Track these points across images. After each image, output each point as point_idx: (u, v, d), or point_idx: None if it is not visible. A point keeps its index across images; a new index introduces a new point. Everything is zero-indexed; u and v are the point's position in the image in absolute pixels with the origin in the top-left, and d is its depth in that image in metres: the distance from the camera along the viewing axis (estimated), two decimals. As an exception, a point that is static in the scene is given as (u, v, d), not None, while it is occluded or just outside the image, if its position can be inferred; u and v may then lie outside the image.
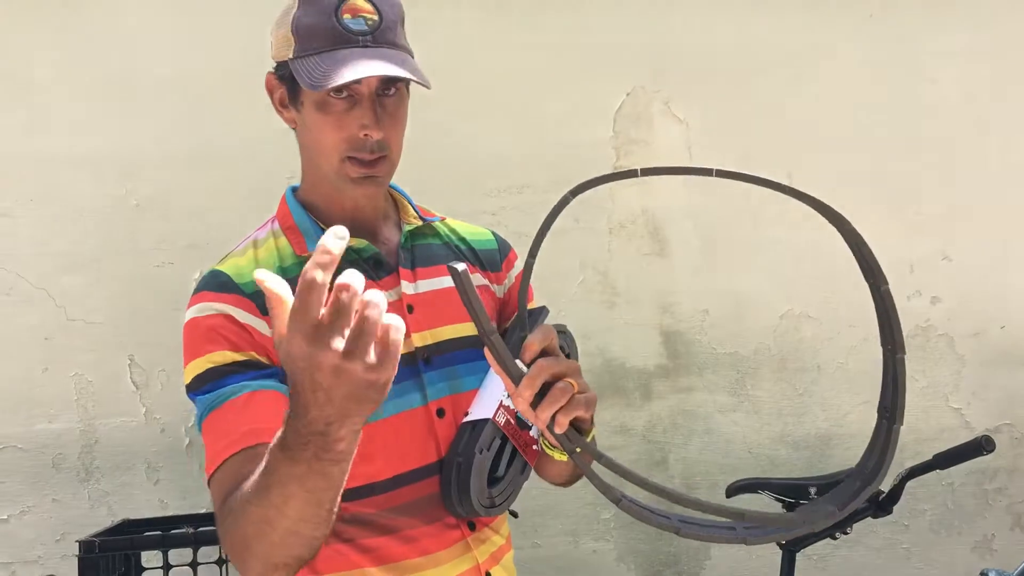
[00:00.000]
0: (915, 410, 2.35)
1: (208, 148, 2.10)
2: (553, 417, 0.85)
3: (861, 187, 2.30)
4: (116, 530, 1.81)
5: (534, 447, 1.12)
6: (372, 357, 0.62)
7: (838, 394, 2.35)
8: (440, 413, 1.11)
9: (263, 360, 1.00)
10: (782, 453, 2.33)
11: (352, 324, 0.62)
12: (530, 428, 1.12)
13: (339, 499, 0.77)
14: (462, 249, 1.23)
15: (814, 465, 2.33)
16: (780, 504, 1.87)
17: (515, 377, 0.84)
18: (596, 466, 0.86)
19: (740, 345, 2.33)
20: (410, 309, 1.12)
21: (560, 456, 1.10)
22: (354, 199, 1.12)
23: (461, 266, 0.80)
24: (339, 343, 0.62)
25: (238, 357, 0.99)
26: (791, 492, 1.87)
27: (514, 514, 1.97)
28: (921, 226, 2.36)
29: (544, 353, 0.87)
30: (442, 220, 1.25)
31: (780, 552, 1.88)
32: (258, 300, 1.01)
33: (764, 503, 1.95)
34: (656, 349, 2.32)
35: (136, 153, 2.09)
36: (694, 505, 0.81)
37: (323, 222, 1.13)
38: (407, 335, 1.06)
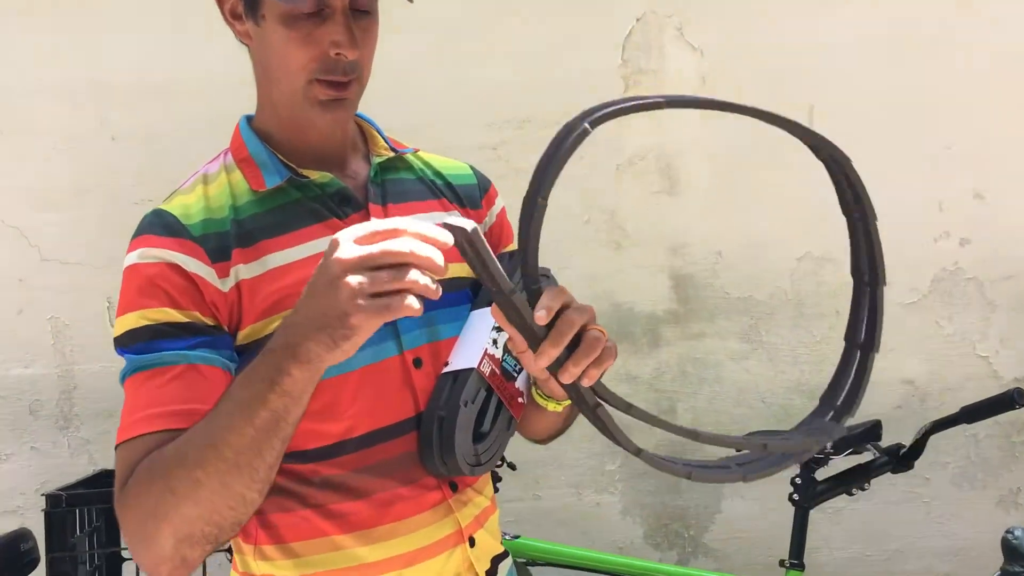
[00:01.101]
0: (939, 358, 2.23)
1: (189, 75, 1.97)
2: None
3: (888, 121, 2.15)
4: (93, 481, 1.72)
5: (520, 399, 1.02)
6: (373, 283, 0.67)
7: (858, 341, 2.21)
8: (417, 363, 1.00)
9: (207, 322, 0.89)
10: (797, 403, 2.22)
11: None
12: (515, 379, 1.02)
13: (278, 463, 0.72)
14: (438, 184, 1.12)
15: None
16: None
17: (537, 338, 0.77)
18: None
19: (754, 289, 2.21)
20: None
21: (554, 407, 1.00)
22: (320, 127, 1.00)
23: (470, 225, 0.73)
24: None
25: (179, 318, 0.88)
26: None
27: (512, 466, 1.89)
28: (951, 163, 2.20)
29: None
30: (415, 152, 1.12)
31: (792, 509, 1.77)
32: (208, 244, 0.90)
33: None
34: (665, 293, 2.21)
35: (111, 81, 1.96)
36: (716, 441, 0.80)
37: (282, 153, 1.02)
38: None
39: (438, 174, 1.13)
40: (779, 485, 1.65)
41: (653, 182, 2.18)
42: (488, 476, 1.09)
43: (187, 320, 0.88)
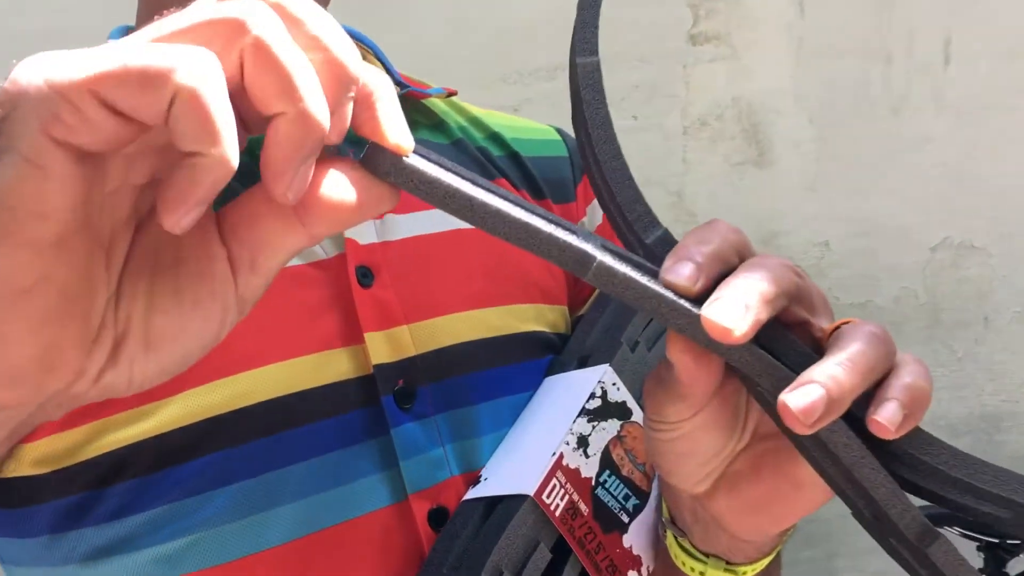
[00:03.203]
0: None
1: None
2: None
3: None
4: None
5: (619, 550, 0.55)
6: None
7: (1014, 356, 1.83)
8: (437, 517, 0.56)
9: None
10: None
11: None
12: (623, 526, 0.55)
13: None
14: (492, 155, 0.68)
15: (979, 456, 1.77)
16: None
17: (783, 375, 0.39)
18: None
19: (874, 291, 1.81)
20: (366, 277, 0.58)
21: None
22: None
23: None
24: None
25: None
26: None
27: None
28: None
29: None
30: (448, 97, 0.70)
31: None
32: None
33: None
34: None
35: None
36: None
37: None
38: (356, 335, 0.55)
39: (495, 138, 0.69)
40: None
41: (734, 150, 1.78)
42: None
43: None
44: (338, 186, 0.32)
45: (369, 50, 0.67)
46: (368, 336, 0.55)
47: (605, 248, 0.37)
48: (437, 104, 0.67)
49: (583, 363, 0.58)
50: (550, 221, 0.35)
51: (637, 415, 0.56)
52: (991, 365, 1.86)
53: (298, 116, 0.28)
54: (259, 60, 0.28)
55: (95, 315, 0.30)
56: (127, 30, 0.62)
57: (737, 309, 0.36)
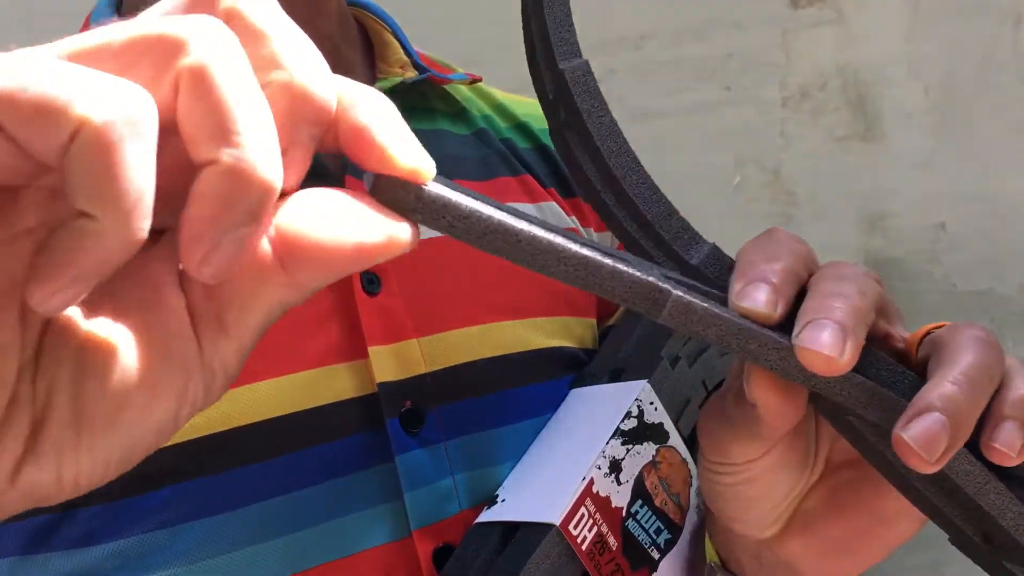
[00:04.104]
0: None
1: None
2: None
3: None
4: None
5: None
6: None
7: None
8: (442, 556, 0.50)
9: None
10: None
11: None
12: (653, 563, 0.49)
13: None
14: (519, 148, 0.63)
15: None
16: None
17: (893, 405, 0.35)
18: None
19: (997, 279, 1.65)
20: (372, 283, 0.52)
21: None
22: None
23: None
24: None
25: None
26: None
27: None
28: None
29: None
30: (472, 82, 0.64)
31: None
32: None
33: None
34: None
35: None
36: None
37: None
38: (359, 349, 0.50)
39: (522, 128, 0.64)
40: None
41: (839, 123, 1.65)
42: None
43: None
44: (333, 219, 0.24)
45: (386, 25, 0.61)
46: (372, 351, 0.49)
47: (668, 278, 0.31)
48: (460, 90, 0.61)
49: (616, 377, 0.50)
50: (605, 252, 0.29)
51: (673, 439, 0.49)
52: None
53: (231, 167, 0.21)
54: (193, 90, 0.21)
55: (3, 386, 0.23)
56: (114, 1, 0.57)
57: (836, 334, 0.32)
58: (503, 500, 0.50)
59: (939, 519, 0.37)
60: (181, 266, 0.23)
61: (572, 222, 0.60)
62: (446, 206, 0.26)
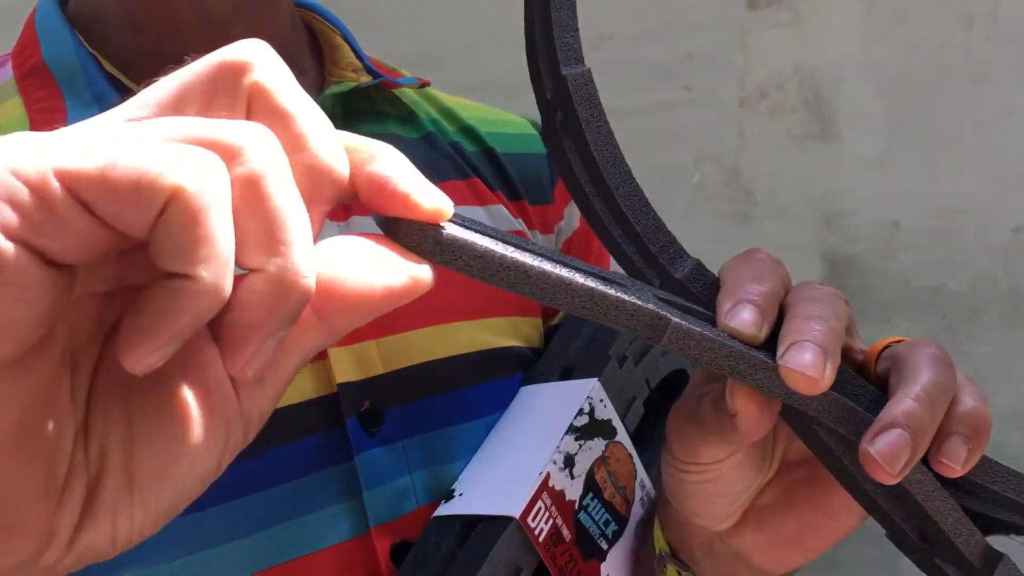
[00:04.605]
0: None
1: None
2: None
3: None
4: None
5: None
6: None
7: (1105, 347, 1.67)
8: (400, 552, 0.51)
9: None
10: (1015, 439, 1.69)
11: None
12: (602, 553, 0.51)
13: None
14: (466, 152, 0.63)
15: None
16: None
17: (859, 417, 0.38)
18: None
19: (949, 276, 1.68)
20: None
21: None
22: (207, 14, 0.54)
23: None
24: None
25: None
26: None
27: None
28: None
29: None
30: (421, 87, 0.64)
31: None
32: None
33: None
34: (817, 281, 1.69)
35: None
36: None
37: (122, 62, 0.55)
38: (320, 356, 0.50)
39: (468, 132, 0.65)
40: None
41: (796, 123, 1.68)
42: None
43: None
44: (364, 265, 0.25)
45: (335, 29, 0.61)
46: (332, 352, 0.50)
47: (664, 301, 0.33)
48: (408, 94, 0.62)
49: (566, 375, 0.52)
50: (602, 278, 0.31)
51: (621, 435, 0.52)
52: (1081, 356, 1.69)
53: (278, 276, 0.22)
54: (246, 199, 0.22)
55: (61, 455, 0.23)
56: (58, 2, 0.56)
57: (818, 357, 0.34)
58: (460, 494, 0.51)
59: (879, 516, 0.39)
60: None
61: (519, 225, 0.61)
62: (463, 247, 0.27)
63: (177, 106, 0.23)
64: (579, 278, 0.30)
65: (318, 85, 0.59)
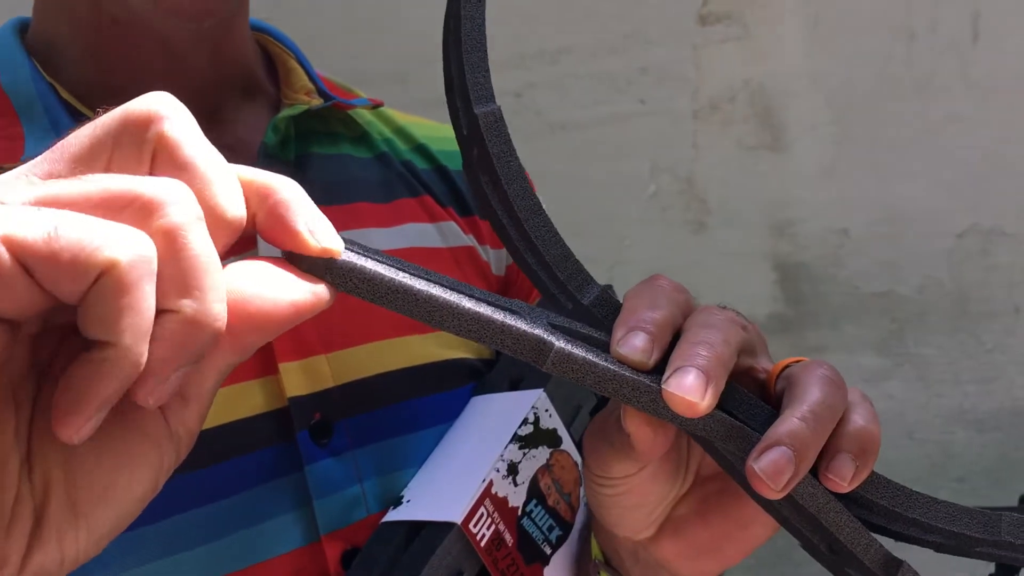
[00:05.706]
0: None
1: None
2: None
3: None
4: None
5: None
6: None
7: (1047, 348, 1.71)
8: (350, 559, 0.53)
9: None
10: (960, 438, 1.73)
11: None
12: (544, 558, 0.53)
13: None
14: (418, 169, 0.65)
15: (1008, 456, 1.71)
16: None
17: (748, 438, 0.39)
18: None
19: (897, 280, 1.71)
20: None
21: None
22: (166, 42, 0.55)
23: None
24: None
25: None
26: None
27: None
28: None
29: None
30: (374, 108, 0.65)
31: None
32: None
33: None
34: (768, 290, 1.72)
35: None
36: None
37: (81, 92, 0.56)
38: (270, 365, 0.52)
39: (421, 150, 0.66)
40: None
41: (747, 133, 1.69)
42: None
43: None
44: (269, 286, 0.27)
45: (289, 52, 0.63)
46: (283, 367, 0.52)
47: (554, 326, 0.35)
48: (362, 115, 0.63)
49: (515, 385, 0.54)
50: (496, 305, 0.33)
51: (566, 443, 0.53)
52: (1022, 357, 1.75)
53: (191, 318, 0.24)
54: (166, 249, 0.24)
55: (8, 486, 0.25)
56: (20, 25, 0.58)
57: (699, 381, 0.35)
58: (408, 501, 0.53)
59: (790, 528, 0.41)
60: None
61: (469, 240, 0.63)
62: (352, 270, 0.30)
63: (90, 158, 0.26)
64: (467, 303, 0.32)
65: (275, 107, 0.61)
